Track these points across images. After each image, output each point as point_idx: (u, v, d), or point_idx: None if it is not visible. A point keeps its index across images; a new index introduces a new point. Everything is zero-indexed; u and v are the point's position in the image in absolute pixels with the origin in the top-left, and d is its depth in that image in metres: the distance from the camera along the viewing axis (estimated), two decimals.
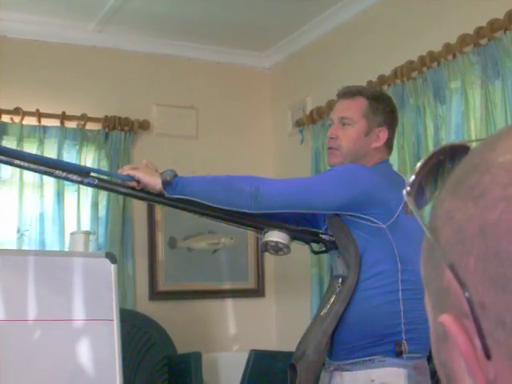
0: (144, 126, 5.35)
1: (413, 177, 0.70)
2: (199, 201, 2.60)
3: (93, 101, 5.26)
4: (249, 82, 5.89)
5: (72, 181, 2.75)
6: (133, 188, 2.71)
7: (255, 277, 5.67)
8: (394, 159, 4.22)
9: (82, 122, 5.14)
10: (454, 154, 0.70)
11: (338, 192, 2.57)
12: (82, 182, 2.74)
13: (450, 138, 3.88)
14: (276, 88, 5.86)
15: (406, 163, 4.24)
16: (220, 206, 2.61)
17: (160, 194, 2.66)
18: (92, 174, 2.77)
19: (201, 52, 5.65)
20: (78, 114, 5.14)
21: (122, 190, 2.79)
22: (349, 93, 2.78)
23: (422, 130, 4.14)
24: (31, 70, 5.14)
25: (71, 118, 5.12)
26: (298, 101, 5.45)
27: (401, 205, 2.53)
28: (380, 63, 4.54)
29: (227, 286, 5.57)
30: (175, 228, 5.38)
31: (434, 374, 2.53)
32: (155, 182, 2.61)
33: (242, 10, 5.05)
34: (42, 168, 2.69)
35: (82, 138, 5.12)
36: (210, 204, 2.61)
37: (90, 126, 5.18)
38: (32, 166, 2.68)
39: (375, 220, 2.54)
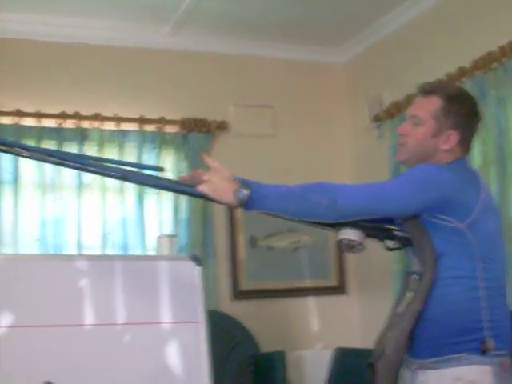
0: (221, 126, 5.38)
1: None
2: (276, 214, 2.58)
3: (170, 103, 5.31)
4: (324, 78, 5.86)
5: (147, 185, 2.76)
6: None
7: (336, 274, 5.64)
8: (476, 153, 4.15)
9: (161, 125, 5.19)
10: None
11: (415, 197, 2.52)
12: (156, 186, 2.75)
13: None
14: (352, 83, 5.81)
15: (488, 157, 4.16)
16: (297, 219, 2.60)
17: None
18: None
19: (275, 50, 5.64)
20: (156, 117, 5.20)
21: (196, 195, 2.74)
22: (424, 90, 2.72)
23: (505, 122, 4.06)
24: (109, 76, 5.22)
25: (149, 121, 5.18)
26: (374, 96, 5.39)
27: (478, 203, 2.51)
28: (459, 55, 4.45)
29: (308, 283, 5.56)
30: (255, 227, 5.40)
31: None
32: (229, 201, 2.55)
33: (315, 6, 5.03)
34: (117, 175, 2.70)
35: (160, 140, 5.18)
36: (287, 217, 2.59)
37: (168, 128, 5.23)
38: (107, 172, 2.71)
39: (453, 220, 2.49)
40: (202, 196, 2.62)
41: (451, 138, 2.63)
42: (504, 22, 4.18)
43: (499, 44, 4.06)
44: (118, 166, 2.77)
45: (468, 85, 4.22)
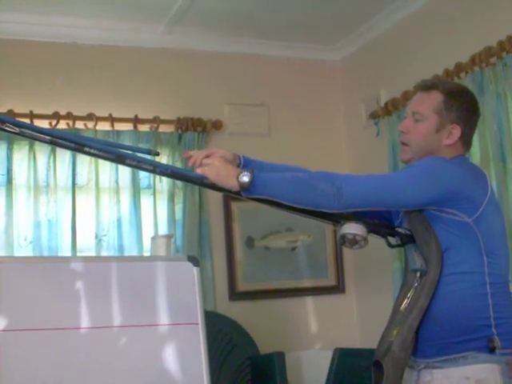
0: (216, 125, 5.33)
1: None
2: (279, 201, 2.51)
3: (165, 103, 5.26)
4: (320, 77, 5.81)
5: (144, 170, 2.62)
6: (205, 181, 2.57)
7: (335, 273, 5.60)
8: (475, 148, 4.10)
9: (155, 125, 5.14)
10: None
11: (423, 189, 2.49)
12: (154, 171, 2.62)
13: None
14: (348, 81, 5.76)
15: (488, 152, 4.12)
16: (300, 207, 2.53)
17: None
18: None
19: (270, 48, 5.60)
20: (151, 116, 5.15)
21: (196, 181, 2.64)
22: (425, 86, 2.69)
23: (504, 117, 4.02)
24: (102, 76, 5.16)
25: (144, 121, 5.13)
26: (371, 93, 5.34)
27: (485, 198, 2.49)
28: (457, 50, 4.41)
29: (307, 283, 5.51)
30: (252, 227, 5.35)
31: None
32: (231, 186, 2.48)
33: (310, 4, 4.98)
34: (112, 156, 2.58)
35: (155, 140, 5.13)
36: (290, 204, 2.52)
37: (162, 128, 5.18)
38: (101, 153, 2.55)
39: (461, 214, 2.47)
40: (202, 181, 2.53)
41: (454, 133, 2.60)
42: (502, 17, 4.13)
43: (498, 39, 4.01)
44: (113, 147, 2.67)
45: (467, 80, 4.19)
